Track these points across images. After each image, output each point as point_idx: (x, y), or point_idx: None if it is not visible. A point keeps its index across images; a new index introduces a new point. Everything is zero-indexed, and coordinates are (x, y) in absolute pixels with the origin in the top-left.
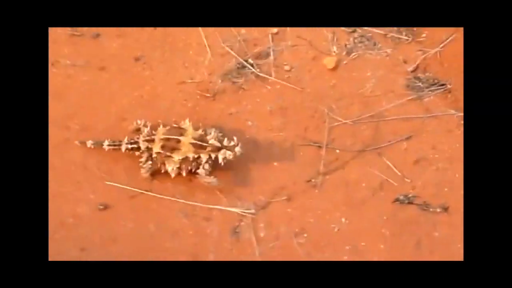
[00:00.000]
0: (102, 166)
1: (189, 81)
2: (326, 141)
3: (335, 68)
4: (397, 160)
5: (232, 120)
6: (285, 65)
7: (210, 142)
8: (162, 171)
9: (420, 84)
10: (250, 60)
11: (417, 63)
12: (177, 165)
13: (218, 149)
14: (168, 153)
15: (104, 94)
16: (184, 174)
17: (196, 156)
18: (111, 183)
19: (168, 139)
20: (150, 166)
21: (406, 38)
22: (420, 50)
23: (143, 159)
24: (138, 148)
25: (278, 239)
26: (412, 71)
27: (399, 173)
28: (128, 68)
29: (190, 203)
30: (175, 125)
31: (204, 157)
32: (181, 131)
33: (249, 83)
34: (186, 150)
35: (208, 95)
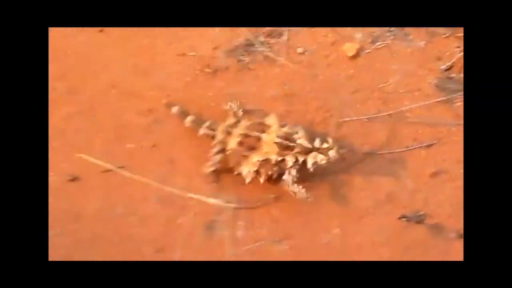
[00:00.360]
0: (80, 136)
1: (191, 53)
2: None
3: (355, 56)
4: (411, 170)
5: (228, 101)
6: (298, 47)
7: (298, 142)
8: (235, 172)
9: (452, 85)
10: (261, 38)
11: (452, 61)
12: (255, 168)
13: (308, 151)
14: (245, 152)
15: (99, 58)
16: (261, 180)
17: (280, 158)
18: (84, 156)
19: (247, 136)
20: (217, 160)
21: (444, 32)
22: (458, 47)
23: (214, 150)
24: (213, 137)
25: (256, 242)
26: (446, 70)
27: (411, 185)
28: (129, 33)
29: (168, 188)
30: (258, 121)
31: (290, 160)
32: (264, 127)
33: (256, 63)
34: (269, 150)
35: (209, 70)
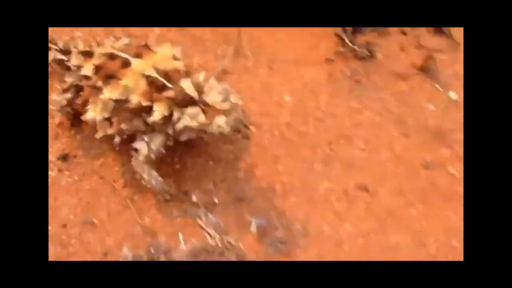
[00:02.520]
0: None
1: None
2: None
3: None
4: None
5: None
6: None
7: (181, 84)
8: (82, 117)
9: None
10: None
11: None
12: (105, 113)
13: (190, 103)
14: (99, 83)
15: None
16: (116, 140)
17: (144, 103)
18: None
19: (112, 57)
20: (66, 100)
21: None
22: None
23: (65, 86)
24: (66, 66)
25: None
26: None
27: None
28: None
29: None
30: (141, 43)
31: (157, 111)
32: (143, 52)
33: None
34: (131, 84)
35: None
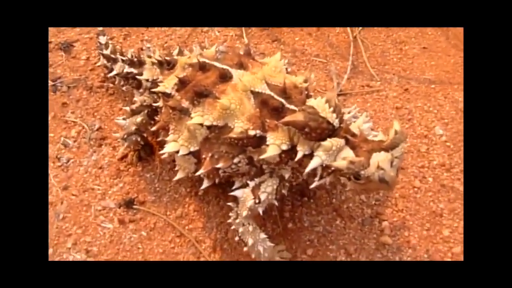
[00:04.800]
0: None
1: None
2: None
3: None
4: None
5: None
6: None
7: (310, 104)
8: (158, 151)
9: None
10: None
11: None
12: (190, 148)
13: (326, 133)
14: (185, 103)
15: None
16: (205, 184)
17: (253, 133)
18: None
19: (204, 68)
20: (134, 126)
21: None
22: None
23: (134, 106)
24: (136, 83)
25: None
26: None
27: None
28: None
29: None
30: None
31: (273, 147)
32: (244, 61)
33: None
34: (233, 104)
35: None
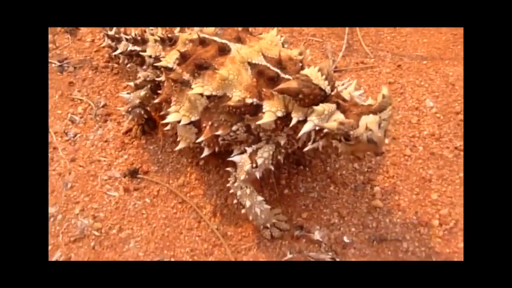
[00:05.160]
0: None
1: None
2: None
3: None
4: None
5: None
6: None
7: (304, 73)
8: (162, 122)
9: None
10: None
11: None
12: (191, 117)
13: (319, 99)
14: (186, 75)
15: None
16: (206, 152)
17: (249, 101)
18: None
19: (204, 42)
20: (138, 99)
21: None
22: None
23: (138, 81)
24: (140, 60)
25: None
26: None
27: None
28: None
29: None
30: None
31: (269, 114)
32: (242, 36)
33: None
34: (231, 75)
35: None
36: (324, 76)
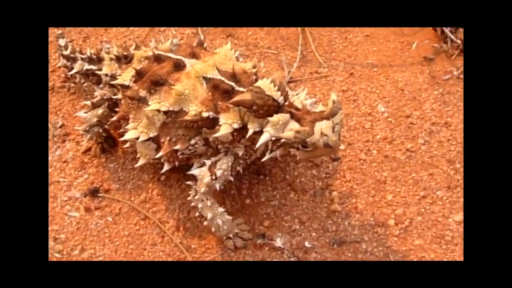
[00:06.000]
0: None
1: None
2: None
3: None
4: None
5: None
6: None
7: (258, 85)
8: (120, 139)
9: None
10: None
11: None
12: (149, 133)
13: (273, 110)
14: (142, 92)
15: None
16: (166, 167)
17: (206, 115)
18: None
19: (159, 59)
20: (96, 118)
21: None
22: None
23: (95, 100)
24: (96, 79)
25: None
26: None
27: None
28: None
29: None
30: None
31: (226, 126)
32: (196, 52)
33: None
34: (187, 89)
35: None
36: (276, 87)
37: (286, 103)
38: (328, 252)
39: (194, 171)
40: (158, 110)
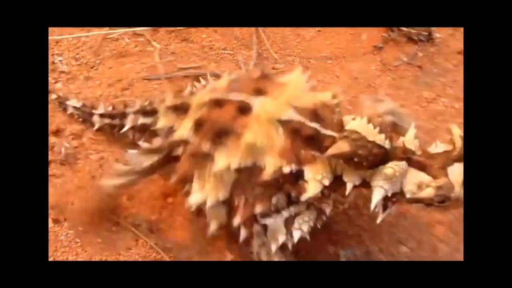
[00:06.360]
0: None
1: None
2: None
3: None
4: None
5: None
6: None
7: (351, 128)
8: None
9: None
10: None
11: None
12: (219, 196)
13: (379, 158)
14: (206, 146)
15: None
16: (243, 235)
17: (287, 169)
18: None
19: (219, 103)
20: (150, 163)
21: None
22: None
23: (153, 147)
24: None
25: None
26: None
27: None
28: None
29: None
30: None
31: (314, 184)
32: (268, 88)
33: None
34: (259, 138)
35: None
36: (378, 129)
37: (394, 145)
38: None
39: (268, 220)
40: (229, 168)
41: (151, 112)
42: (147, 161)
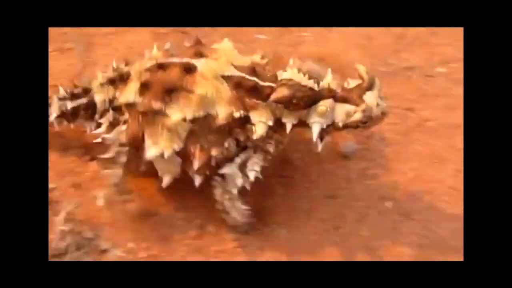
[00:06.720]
0: None
1: None
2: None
3: None
4: None
5: None
6: None
7: (286, 77)
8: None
9: None
10: None
11: None
12: (174, 146)
13: (312, 98)
14: (156, 104)
15: None
16: (197, 181)
17: (237, 115)
18: None
19: (163, 67)
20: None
21: None
22: None
23: (101, 129)
24: (85, 111)
25: None
26: None
27: None
28: None
29: None
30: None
31: (261, 125)
32: (203, 51)
33: None
34: (209, 92)
35: None
36: (307, 76)
37: (319, 88)
38: None
39: (225, 169)
40: (184, 119)
41: (84, 92)
42: (121, 130)
